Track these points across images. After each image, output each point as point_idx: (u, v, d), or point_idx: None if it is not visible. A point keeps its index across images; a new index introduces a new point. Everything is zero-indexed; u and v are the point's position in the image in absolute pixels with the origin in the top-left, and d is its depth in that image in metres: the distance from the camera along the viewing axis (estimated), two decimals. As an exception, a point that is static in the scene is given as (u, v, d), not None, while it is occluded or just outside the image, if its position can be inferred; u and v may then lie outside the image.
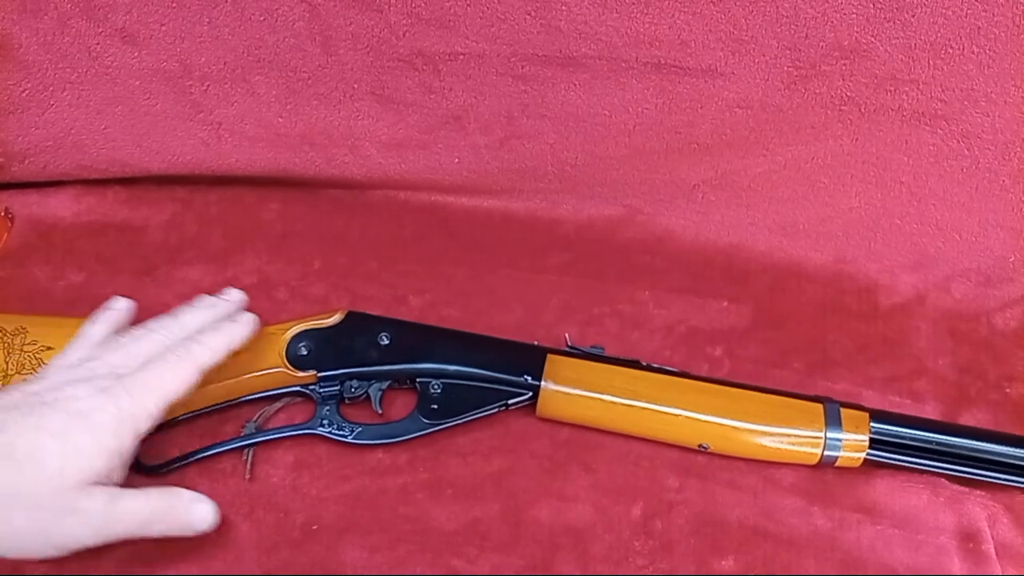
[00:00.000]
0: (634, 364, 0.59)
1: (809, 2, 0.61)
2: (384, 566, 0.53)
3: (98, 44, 0.65)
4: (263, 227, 0.72)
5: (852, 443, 0.57)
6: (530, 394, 0.58)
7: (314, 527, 0.54)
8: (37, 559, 0.46)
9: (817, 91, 0.65)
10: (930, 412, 0.64)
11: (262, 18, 0.64)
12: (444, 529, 0.55)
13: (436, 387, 0.57)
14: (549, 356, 0.58)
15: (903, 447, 0.58)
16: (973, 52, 0.62)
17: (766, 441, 0.57)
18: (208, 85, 0.68)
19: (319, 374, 0.57)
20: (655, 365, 0.59)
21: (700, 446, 0.58)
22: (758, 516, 0.57)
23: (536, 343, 0.60)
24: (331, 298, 0.66)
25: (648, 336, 0.67)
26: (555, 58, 0.65)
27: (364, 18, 0.64)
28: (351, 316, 0.59)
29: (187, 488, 0.50)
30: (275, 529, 0.54)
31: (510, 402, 0.58)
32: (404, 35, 0.65)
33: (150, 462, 0.55)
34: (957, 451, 0.58)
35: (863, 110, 0.66)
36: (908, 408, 0.64)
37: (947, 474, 0.59)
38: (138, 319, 0.55)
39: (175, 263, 0.68)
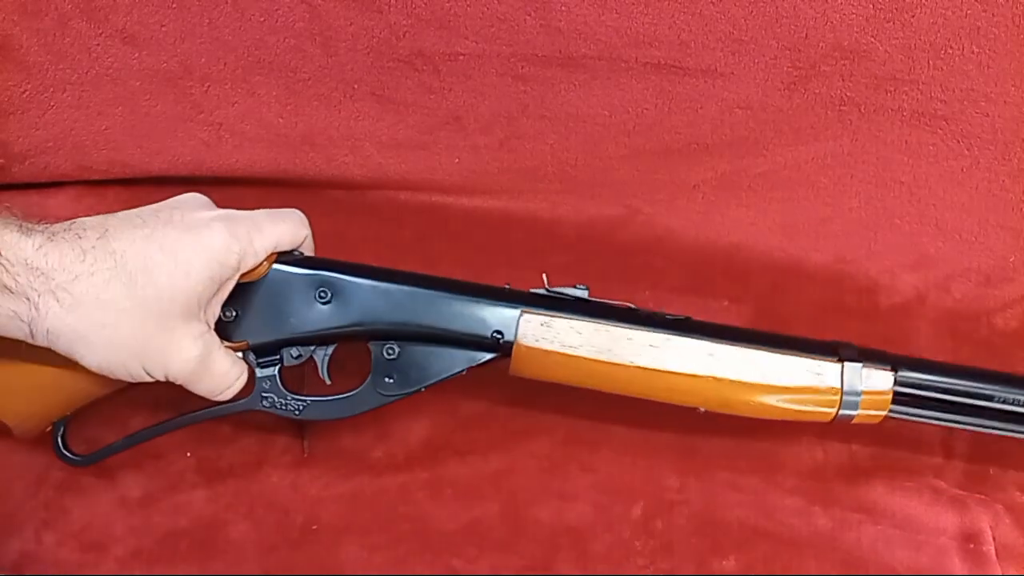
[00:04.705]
0: (625, 312, 0.52)
1: (809, 2, 0.61)
2: (384, 566, 0.53)
3: (98, 45, 0.65)
4: (263, 227, 0.71)
5: (872, 400, 0.52)
6: (499, 353, 0.51)
7: (314, 527, 0.54)
8: (124, 380, 0.45)
9: (817, 91, 0.65)
10: (930, 412, 0.64)
11: (262, 19, 0.64)
12: (444, 529, 0.55)
13: (391, 351, 0.51)
14: (524, 310, 0.51)
15: (929, 402, 0.53)
16: (973, 52, 0.62)
17: (771, 400, 0.52)
18: (208, 86, 0.68)
19: (251, 342, 0.50)
20: (649, 312, 0.53)
21: (697, 408, 0.53)
22: (758, 516, 0.57)
23: (507, 286, 0.53)
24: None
25: (648, 336, 0.67)
26: (555, 58, 0.65)
27: (364, 18, 0.64)
28: (280, 264, 0.50)
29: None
30: (275, 529, 0.54)
31: (479, 362, 0.51)
32: (404, 35, 0.65)
33: (77, 450, 0.52)
34: (987, 403, 0.53)
35: (863, 110, 0.66)
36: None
37: (973, 430, 0.54)
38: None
39: (175, 263, 0.68)
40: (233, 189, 0.73)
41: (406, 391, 0.51)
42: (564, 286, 0.53)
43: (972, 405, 0.53)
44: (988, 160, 0.67)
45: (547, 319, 0.51)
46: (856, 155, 0.69)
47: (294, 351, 0.51)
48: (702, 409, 0.52)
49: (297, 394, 0.51)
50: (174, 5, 0.64)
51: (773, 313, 0.69)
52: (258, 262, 0.48)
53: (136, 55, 0.66)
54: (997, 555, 0.56)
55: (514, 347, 0.51)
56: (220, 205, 0.74)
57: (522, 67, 0.66)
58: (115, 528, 0.53)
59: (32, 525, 0.53)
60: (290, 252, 0.50)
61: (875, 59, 0.63)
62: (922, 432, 0.60)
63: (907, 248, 0.72)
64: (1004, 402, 0.53)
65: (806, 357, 0.52)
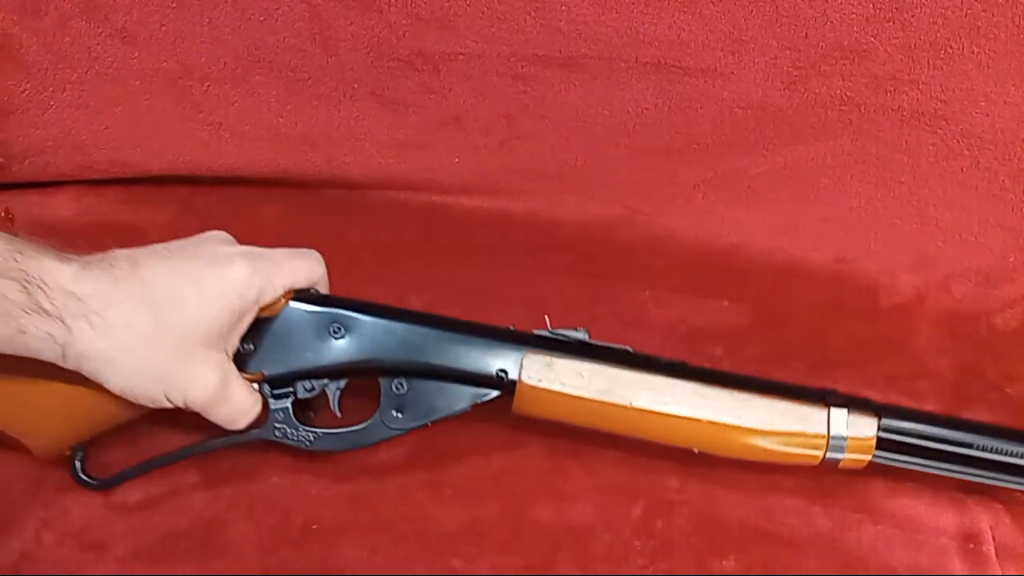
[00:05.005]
0: (623, 354, 0.54)
1: (809, 2, 0.61)
2: (384, 566, 0.53)
3: (98, 44, 0.65)
4: (264, 228, 0.72)
5: (857, 445, 0.54)
6: (503, 391, 0.53)
7: (314, 527, 0.54)
8: (145, 405, 0.47)
9: (817, 91, 0.65)
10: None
11: (262, 18, 0.64)
12: (444, 529, 0.55)
13: (400, 386, 0.53)
14: (527, 351, 0.53)
15: (911, 448, 0.55)
16: (973, 52, 0.62)
17: (762, 443, 0.54)
18: (208, 85, 0.68)
19: (266, 374, 0.52)
20: (646, 356, 0.55)
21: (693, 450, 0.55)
22: (759, 516, 0.57)
23: (512, 328, 0.55)
24: (331, 298, 0.66)
25: (649, 336, 0.67)
26: (555, 58, 0.65)
27: (364, 18, 0.64)
28: (296, 302, 0.52)
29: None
30: (275, 529, 0.54)
31: (483, 399, 0.53)
32: (404, 35, 0.65)
33: (95, 475, 0.54)
34: (967, 451, 0.55)
35: (863, 110, 0.66)
36: (908, 408, 0.64)
37: (954, 477, 0.56)
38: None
39: (175, 263, 0.68)
40: (233, 189, 0.73)
41: (413, 425, 0.53)
42: (565, 328, 0.54)
43: (953, 452, 0.54)
44: (988, 160, 0.67)
45: (550, 360, 0.53)
46: (856, 155, 0.69)
47: (307, 384, 0.53)
48: (696, 450, 0.54)
49: (309, 426, 0.53)
50: (174, 5, 0.64)
51: (773, 313, 0.69)
52: (276, 296, 0.50)
53: (136, 55, 0.66)
54: (997, 555, 0.56)
55: (517, 386, 0.52)
56: (220, 205, 0.75)
57: (522, 67, 0.66)
58: (115, 528, 0.53)
59: (32, 525, 0.53)
60: (306, 290, 0.52)
61: (875, 59, 0.63)
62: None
63: (907, 248, 0.72)
64: (984, 450, 0.54)
65: (795, 403, 0.54)
